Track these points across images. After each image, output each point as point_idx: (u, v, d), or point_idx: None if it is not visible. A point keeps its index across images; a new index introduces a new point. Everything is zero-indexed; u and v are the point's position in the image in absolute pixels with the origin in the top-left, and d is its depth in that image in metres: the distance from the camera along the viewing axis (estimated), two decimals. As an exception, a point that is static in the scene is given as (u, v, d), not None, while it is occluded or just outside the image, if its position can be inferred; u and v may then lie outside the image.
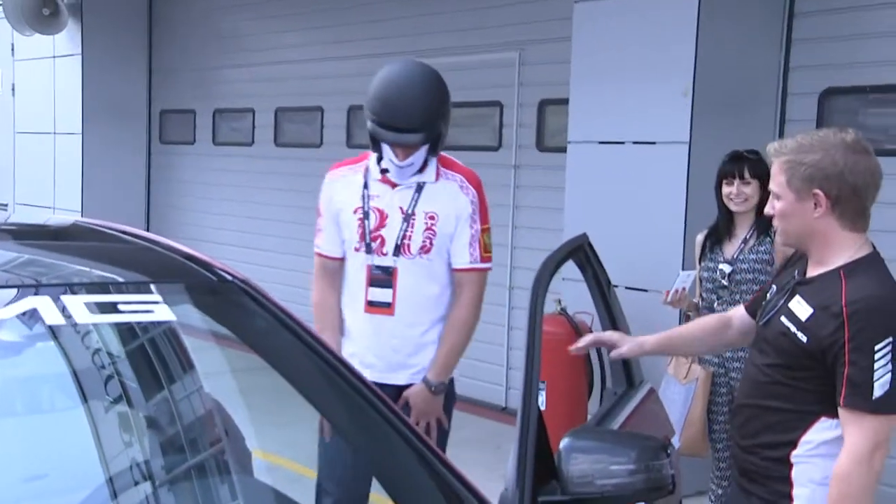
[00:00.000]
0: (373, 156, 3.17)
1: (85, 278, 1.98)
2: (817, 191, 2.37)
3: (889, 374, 2.21)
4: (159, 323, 1.97)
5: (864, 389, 2.22)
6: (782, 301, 2.47)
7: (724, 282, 4.03)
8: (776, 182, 2.45)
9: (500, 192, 7.15)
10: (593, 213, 5.69)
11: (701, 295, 4.25)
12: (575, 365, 4.85)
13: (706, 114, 5.19)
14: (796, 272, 2.52)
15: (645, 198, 5.44)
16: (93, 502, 1.73)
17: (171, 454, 1.97)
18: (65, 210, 10.36)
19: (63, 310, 1.76)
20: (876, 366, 2.20)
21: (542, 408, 5.31)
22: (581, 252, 2.82)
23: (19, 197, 11.21)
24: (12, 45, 10.94)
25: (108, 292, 1.93)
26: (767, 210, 2.50)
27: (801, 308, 2.38)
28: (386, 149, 3.07)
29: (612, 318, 2.88)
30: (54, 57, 10.49)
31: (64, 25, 9.98)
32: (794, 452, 2.37)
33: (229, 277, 2.10)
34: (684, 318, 4.44)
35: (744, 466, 2.52)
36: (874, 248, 2.44)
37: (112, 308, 1.89)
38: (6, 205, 11.34)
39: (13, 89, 11.18)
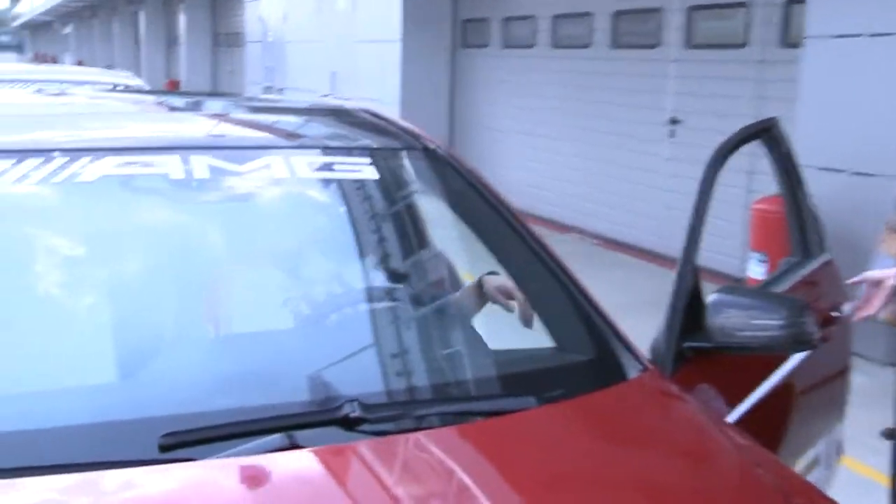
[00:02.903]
0: None
1: (310, 143, 2.08)
2: None
3: None
4: (364, 180, 2.01)
5: None
6: None
7: None
8: None
9: (744, 86, 6.66)
10: (827, 105, 5.19)
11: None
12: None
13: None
14: None
15: (876, 91, 4.85)
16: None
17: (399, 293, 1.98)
18: (388, 104, 10.90)
19: (290, 166, 1.86)
20: None
21: (762, 278, 5.09)
22: (768, 135, 2.56)
23: (360, 94, 11.89)
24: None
25: (328, 155, 2.00)
26: None
27: None
28: None
29: (796, 203, 2.62)
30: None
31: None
32: None
33: (433, 146, 2.12)
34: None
35: None
36: None
37: (328, 167, 1.96)
38: (350, 99, 12.09)
39: (353, 5, 11.76)
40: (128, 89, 4.29)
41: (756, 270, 5.24)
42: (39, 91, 3.29)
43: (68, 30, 38.98)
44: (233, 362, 1.61)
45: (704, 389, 2.04)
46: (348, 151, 2.06)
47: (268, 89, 15.32)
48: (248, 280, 1.82)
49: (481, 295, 2.22)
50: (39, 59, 24.19)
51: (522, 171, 9.61)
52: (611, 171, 8.30)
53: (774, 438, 2.17)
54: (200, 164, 1.77)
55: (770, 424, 2.16)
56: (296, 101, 2.77)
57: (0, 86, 4.58)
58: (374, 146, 2.09)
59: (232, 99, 2.61)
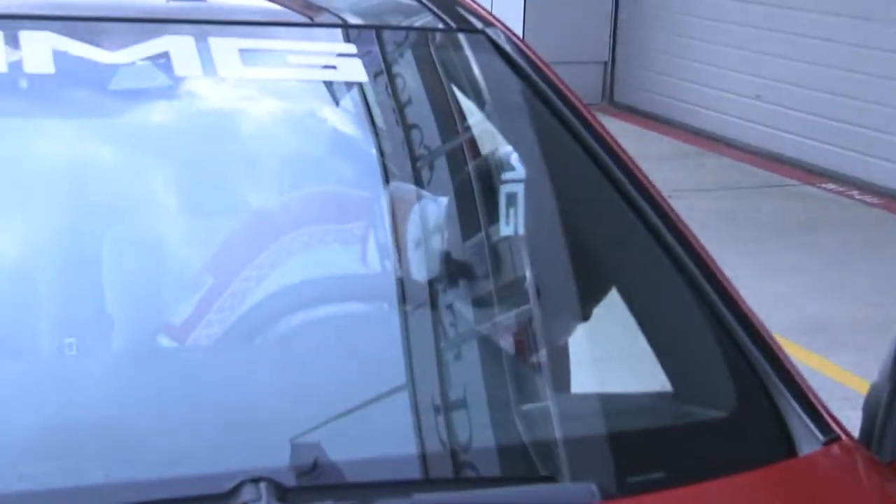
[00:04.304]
0: None
1: (247, 15, 2.05)
2: None
3: None
4: (345, 84, 1.99)
5: None
6: None
7: None
8: None
9: None
10: None
11: None
12: None
13: None
14: None
15: None
16: None
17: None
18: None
19: (205, 56, 1.82)
20: None
21: None
22: None
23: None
24: None
25: (278, 36, 1.98)
26: None
27: None
28: None
29: None
30: None
31: None
32: None
33: (479, 25, 2.08)
34: None
35: None
36: None
37: (275, 59, 1.92)
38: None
39: None
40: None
41: None
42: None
43: None
44: (71, 403, 1.63)
45: None
46: (321, 32, 2.05)
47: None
48: (114, 262, 1.83)
49: None
50: None
51: (742, 73, 9.39)
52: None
53: None
54: (38, 48, 1.75)
55: None
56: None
57: None
58: (369, 23, 2.08)
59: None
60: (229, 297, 1.86)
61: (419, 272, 2.00)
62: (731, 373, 1.78)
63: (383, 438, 1.67)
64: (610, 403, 1.90)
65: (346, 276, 2.03)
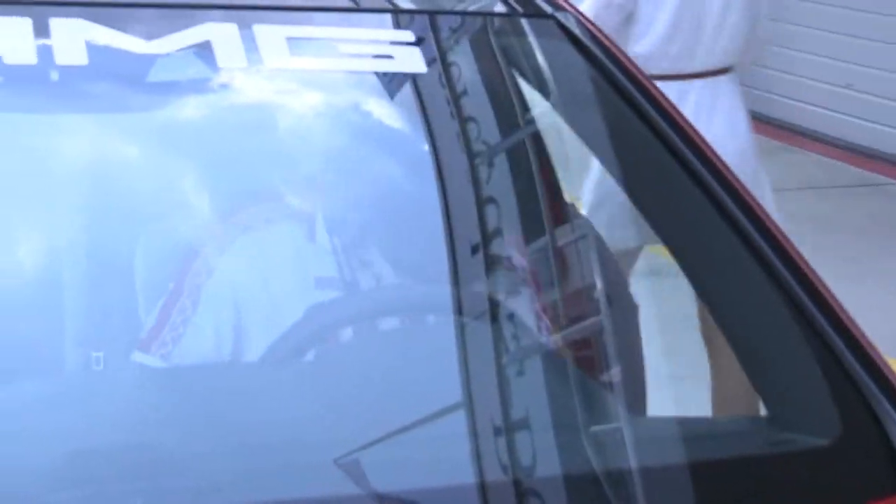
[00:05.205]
0: None
1: (303, 0, 2.06)
2: None
3: None
4: (403, 76, 1.99)
5: None
6: None
7: None
8: None
9: None
10: None
11: None
12: None
13: None
14: None
15: None
16: None
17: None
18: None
19: (250, 45, 1.81)
20: None
21: None
22: None
23: None
24: None
25: (329, 24, 1.98)
26: None
27: None
28: None
29: None
30: None
31: None
32: None
33: (548, 10, 2.06)
34: None
35: None
36: None
37: (330, 49, 1.92)
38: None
39: None
40: None
41: None
42: None
43: None
44: (100, 424, 1.62)
45: None
46: (375, 18, 2.07)
47: None
48: (148, 269, 1.85)
49: None
50: None
51: (829, 59, 9.26)
52: None
53: None
54: (70, 38, 1.74)
55: None
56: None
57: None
58: (427, 8, 2.10)
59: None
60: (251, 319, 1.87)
61: (474, 279, 2.00)
62: (834, 395, 1.75)
63: (436, 466, 1.65)
64: (693, 428, 1.89)
65: (398, 284, 2.06)
